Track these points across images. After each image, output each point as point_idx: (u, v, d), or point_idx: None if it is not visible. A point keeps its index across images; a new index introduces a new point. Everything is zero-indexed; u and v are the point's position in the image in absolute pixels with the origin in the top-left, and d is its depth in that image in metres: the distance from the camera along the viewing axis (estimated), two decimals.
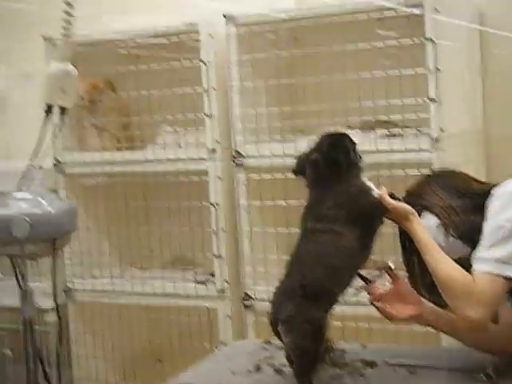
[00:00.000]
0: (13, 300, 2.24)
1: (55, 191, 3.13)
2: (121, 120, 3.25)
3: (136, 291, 3.18)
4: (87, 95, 3.16)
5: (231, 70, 2.91)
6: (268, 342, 2.28)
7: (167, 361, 3.32)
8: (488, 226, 1.82)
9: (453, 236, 1.91)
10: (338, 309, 1.85)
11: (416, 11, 2.55)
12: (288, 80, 2.91)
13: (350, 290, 1.88)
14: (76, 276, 3.29)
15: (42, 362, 2.19)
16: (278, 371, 2.03)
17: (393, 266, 2.01)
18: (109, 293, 3.22)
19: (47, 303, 2.56)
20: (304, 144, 2.07)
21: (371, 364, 2.06)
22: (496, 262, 1.77)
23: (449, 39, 2.62)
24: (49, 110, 2.26)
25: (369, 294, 1.98)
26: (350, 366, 2.05)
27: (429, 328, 2.06)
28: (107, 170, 3.16)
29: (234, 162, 2.94)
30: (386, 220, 1.92)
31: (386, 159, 2.63)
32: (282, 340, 1.83)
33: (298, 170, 1.95)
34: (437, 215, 1.93)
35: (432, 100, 2.56)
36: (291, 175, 1.98)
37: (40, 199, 2.10)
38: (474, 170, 2.36)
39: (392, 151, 2.65)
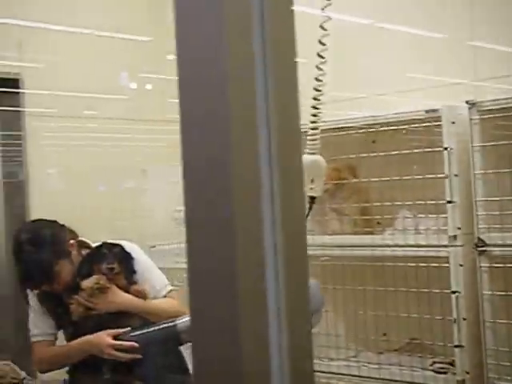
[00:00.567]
0: None
1: None
2: (360, 204, 3.31)
3: (372, 376, 3.16)
4: (330, 180, 3.25)
5: (474, 157, 2.87)
6: None
7: None
8: None
9: None
10: None
11: None
12: None
13: None
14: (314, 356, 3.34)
15: None
16: None
17: None
18: (343, 375, 3.23)
19: None
20: None
21: None
22: None
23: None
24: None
25: None
26: None
27: None
28: (346, 254, 3.21)
29: (476, 249, 2.87)
30: None
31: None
32: None
33: None
34: None
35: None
36: None
37: None
38: None
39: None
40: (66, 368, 2.82)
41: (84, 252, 2.86)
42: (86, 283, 2.69)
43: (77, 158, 4.13)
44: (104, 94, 4.13)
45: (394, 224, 3.21)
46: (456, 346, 2.91)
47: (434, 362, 3.08)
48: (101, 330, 2.73)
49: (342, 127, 3.21)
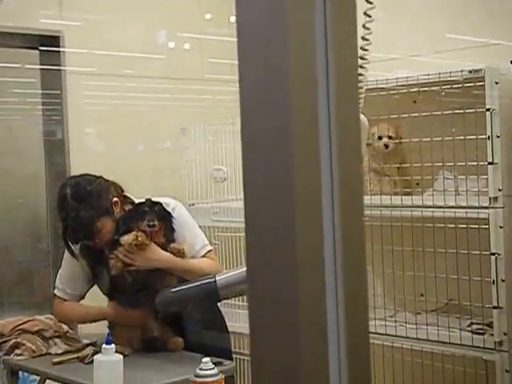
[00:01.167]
0: None
1: None
2: (400, 165, 3.29)
3: (409, 336, 3.18)
4: (371, 141, 3.24)
5: None
6: None
7: None
8: None
9: None
10: None
11: None
12: None
13: None
14: None
15: None
16: None
17: None
18: (381, 335, 3.25)
19: None
20: None
21: None
22: None
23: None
24: None
25: None
26: None
27: None
28: (385, 214, 3.21)
29: None
30: None
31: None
32: None
33: None
34: None
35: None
36: None
37: None
38: None
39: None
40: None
41: (127, 208, 2.90)
42: (125, 239, 2.73)
43: (116, 117, 4.15)
44: (143, 53, 4.14)
45: (434, 185, 3.19)
46: (494, 308, 2.91)
47: (472, 323, 3.09)
48: (136, 285, 2.78)
49: (383, 87, 3.19)
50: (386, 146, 3.30)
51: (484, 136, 2.90)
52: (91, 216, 2.76)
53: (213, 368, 2.09)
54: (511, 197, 2.90)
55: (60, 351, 2.80)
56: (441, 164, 3.13)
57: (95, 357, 2.32)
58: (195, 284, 2.57)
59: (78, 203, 2.77)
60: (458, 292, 3.16)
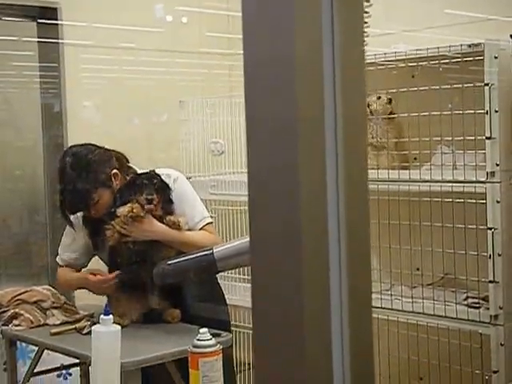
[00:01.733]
0: None
1: None
2: (398, 139, 3.29)
3: (405, 310, 3.20)
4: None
5: None
6: None
7: (430, 381, 3.30)
8: None
9: None
10: None
11: None
12: None
13: None
14: None
15: None
16: None
17: None
18: (376, 309, 3.27)
19: None
20: None
21: None
22: None
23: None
24: None
25: None
26: None
27: None
28: (382, 188, 3.21)
29: None
30: None
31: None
32: None
33: None
34: None
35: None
36: None
37: None
38: None
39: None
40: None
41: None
42: (121, 211, 2.73)
43: (114, 90, 4.14)
44: (141, 26, 4.12)
45: (432, 159, 3.20)
46: (490, 282, 2.93)
47: (468, 297, 3.11)
48: (134, 257, 2.79)
49: (382, 61, 3.18)
50: (390, 101, 3.29)
51: (482, 111, 2.90)
52: (88, 186, 2.76)
53: (210, 339, 2.10)
54: (508, 171, 2.91)
55: (58, 322, 2.82)
56: (439, 139, 3.14)
57: (93, 327, 2.32)
58: (193, 256, 2.58)
59: (76, 172, 2.77)
60: (454, 266, 3.18)
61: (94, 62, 4.09)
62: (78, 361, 2.95)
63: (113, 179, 2.83)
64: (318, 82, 0.73)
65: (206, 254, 2.52)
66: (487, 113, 2.88)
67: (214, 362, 2.03)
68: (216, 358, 2.05)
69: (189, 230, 2.84)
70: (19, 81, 4.07)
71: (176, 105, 4.06)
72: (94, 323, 2.47)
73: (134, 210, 2.72)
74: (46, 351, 2.82)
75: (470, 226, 3.01)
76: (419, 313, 3.16)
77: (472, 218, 3.00)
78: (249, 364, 3.79)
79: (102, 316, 2.30)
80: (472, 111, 2.95)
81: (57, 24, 3.93)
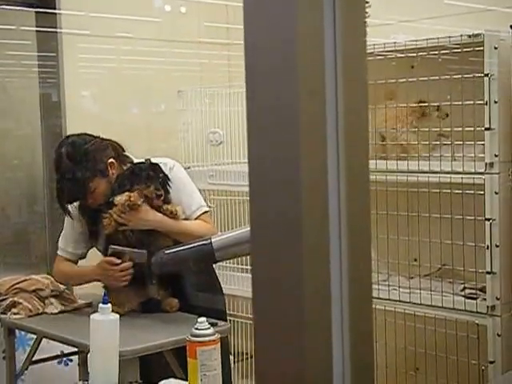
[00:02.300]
0: None
1: None
2: (397, 129, 3.29)
3: (402, 300, 3.21)
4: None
5: None
6: None
7: (426, 371, 3.31)
8: None
9: None
10: None
11: None
12: None
13: None
14: None
15: None
16: None
17: None
18: (374, 299, 3.27)
19: None
20: None
21: None
22: None
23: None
24: None
25: None
26: None
27: None
28: (380, 179, 3.21)
29: None
30: None
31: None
32: None
33: None
34: None
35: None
36: None
37: None
38: None
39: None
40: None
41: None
42: (118, 199, 2.73)
43: (112, 79, 4.13)
44: (139, 16, 4.11)
45: (430, 150, 3.20)
46: (488, 273, 2.94)
47: (465, 288, 3.12)
48: (131, 246, 2.79)
49: (381, 51, 3.17)
50: None
51: (482, 102, 2.90)
52: (85, 176, 2.76)
53: (208, 328, 2.11)
54: (507, 163, 2.91)
55: (56, 311, 2.82)
56: (438, 129, 3.14)
57: (92, 316, 2.33)
58: (191, 245, 2.58)
59: (72, 162, 2.77)
60: (452, 257, 3.18)
61: (92, 52, 4.07)
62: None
63: (109, 168, 2.84)
64: (319, 71, 0.73)
65: (204, 244, 2.52)
66: (486, 104, 2.88)
67: (211, 351, 2.04)
68: (214, 347, 2.05)
69: (185, 218, 2.84)
70: (17, 70, 4.06)
71: (174, 95, 4.06)
72: (92, 312, 2.48)
73: (132, 199, 2.72)
74: (45, 339, 2.82)
75: (467, 217, 3.01)
76: (416, 303, 3.16)
77: (470, 209, 3.00)
78: (246, 354, 3.80)
79: (100, 305, 2.30)
80: (471, 102, 2.95)
81: (55, 13, 3.92)
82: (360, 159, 0.78)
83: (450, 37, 2.98)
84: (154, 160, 2.89)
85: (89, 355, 2.25)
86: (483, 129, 2.90)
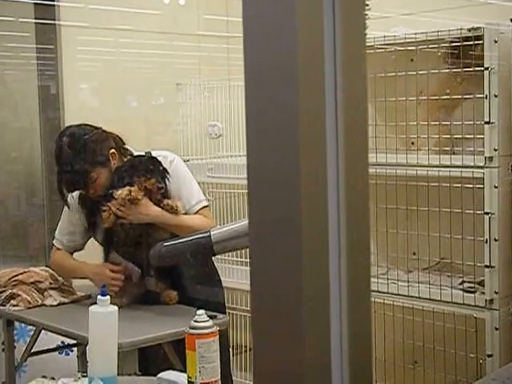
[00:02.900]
0: None
1: None
2: (396, 123, 3.29)
3: (401, 293, 3.21)
4: None
5: None
6: None
7: (424, 364, 3.32)
8: None
9: None
10: None
11: None
12: None
13: None
14: None
15: None
16: None
17: None
18: (373, 292, 3.28)
19: None
20: None
21: None
22: None
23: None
24: None
25: None
26: None
27: None
28: (380, 172, 3.21)
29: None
30: None
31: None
32: None
33: None
34: None
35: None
36: None
37: None
38: None
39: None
40: None
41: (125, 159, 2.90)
42: (119, 193, 2.73)
43: (111, 72, 4.12)
44: (138, 8, 4.10)
45: (429, 144, 3.20)
46: (486, 267, 2.94)
47: (463, 282, 3.12)
48: (130, 239, 2.79)
49: (381, 44, 3.17)
50: None
51: (481, 95, 2.89)
52: (86, 165, 2.76)
53: (207, 320, 2.10)
54: (507, 157, 2.91)
55: (55, 303, 2.82)
56: (437, 123, 3.13)
57: (90, 308, 2.32)
58: (190, 238, 2.58)
59: (73, 152, 2.77)
60: (451, 251, 3.18)
61: (91, 44, 4.07)
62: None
63: (110, 159, 2.83)
64: (318, 64, 0.73)
65: (203, 237, 2.52)
66: (486, 97, 2.87)
67: (210, 343, 2.04)
68: (213, 339, 2.05)
69: (185, 213, 2.84)
70: (16, 62, 4.05)
71: (173, 88, 4.05)
72: (91, 304, 2.48)
73: (133, 194, 2.72)
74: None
75: (467, 211, 3.01)
76: (415, 297, 3.17)
77: (469, 203, 3.00)
78: (245, 346, 3.81)
79: (99, 297, 2.31)
80: (471, 96, 2.95)
81: (54, 5, 3.91)
82: (359, 152, 0.78)
83: (449, 30, 2.97)
84: (154, 153, 2.89)
85: (87, 347, 2.25)
86: (483, 123, 2.90)
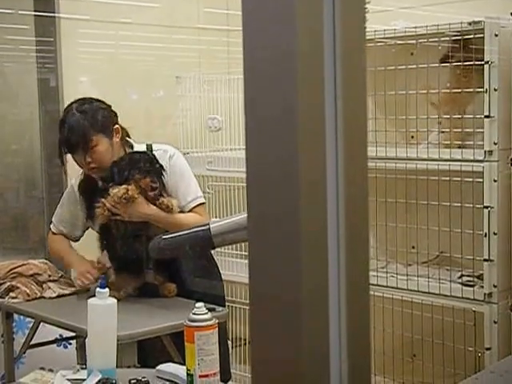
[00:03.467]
0: None
1: None
2: (396, 116, 3.28)
3: (400, 287, 3.21)
4: None
5: None
6: None
7: (423, 358, 3.32)
8: None
9: None
10: None
11: None
12: None
13: None
14: None
15: None
16: None
17: None
18: (371, 286, 3.27)
19: None
20: None
21: None
22: None
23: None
24: None
25: None
26: None
27: None
28: (379, 166, 3.21)
29: (511, 165, 2.86)
30: None
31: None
32: None
33: None
34: None
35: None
36: None
37: None
38: None
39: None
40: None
41: (127, 151, 2.90)
42: (115, 192, 2.72)
43: (110, 65, 4.12)
44: (138, 1, 4.09)
45: (429, 137, 3.19)
46: (485, 260, 2.94)
47: (462, 275, 3.12)
48: (124, 234, 2.79)
49: (381, 38, 3.17)
50: None
51: (481, 89, 2.89)
52: (89, 128, 2.78)
53: (206, 313, 2.11)
54: (506, 150, 2.91)
55: (54, 295, 2.82)
56: (436, 117, 3.13)
57: (89, 300, 2.33)
58: (189, 231, 2.58)
59: (79, 114, 2.82)
60: (450, 244, 3.19)
61: (90, 37, 4.06)
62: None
63: (113, 133, 2.85)
64: (318, 57, 0.73)
65: (202, 230, 2.52)
66: (486, 91, 2.87)
67: (209, 336, 2.04)
68: (212, 332, 2.05)
69: (181, 210, 2.84)
70: (15, 55, 4.04)
71: (173, 81, 4.04)
72: (90, 297, 2.48)
73: (129, 192, 2.71)
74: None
75: (466, 205, 3.01)
76: (414, 290, 3.17)
77: (469, 197, 3.00)
78: (244, 339, 3.81)
79: (97, 289, 2.31)
80: (471, 89, 2.95)
81: None
82: (359, 146, 0.78)
83: (449, 24, 2.97)
84: (155, 146, 2.89)
85: (86, 340, 2.25)
86: (483, 116, 2.89)
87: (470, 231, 3.03)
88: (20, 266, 2.89)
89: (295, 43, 0.71)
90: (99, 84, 4.11)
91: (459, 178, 3.00)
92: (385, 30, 3.16)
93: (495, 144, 2.89)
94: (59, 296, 2.81)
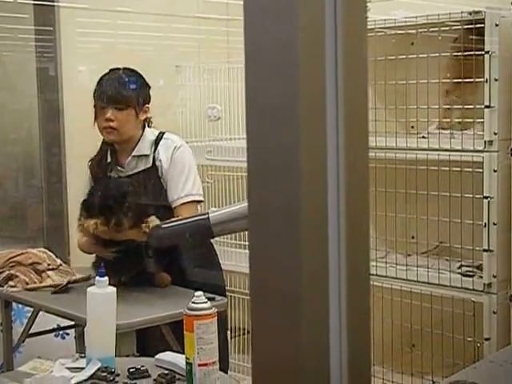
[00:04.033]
0: None
1: None
2: (395, 106, 3.28)
3: (399, 277, 3.21)
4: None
5: None
6: None
7: (422, 348, 3.33)
8: None
9: None
10: None
11: None
12: None
13: None
14: None
15: None
16: None
17: None
18: (371, 276, 3.27)
19: None
20: None
21: None
22: None
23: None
24: None
25: None
26: None
27: None
28: (379, 156, 3.21)
29: (511, 155, 2.86)
30: None
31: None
32: None
33: None
34: None
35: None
36: None
37: None
38: None
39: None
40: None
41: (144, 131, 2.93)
42: (86, 225, 2.68)
43: (110, 54, 4.10)
44: None
45: (429, 128, 3.19)
46: (485, 251, 2.94)
47: (462, 266, 3.13)
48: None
49: (381, 28, 3.16)
50: None
51: (482, 79, 2.88)
52: (130, 89, 2.86)
53: (206, 302, 2.11)
54: (506, 141, 2.90)
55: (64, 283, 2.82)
56: (437, 107, 3.12)
57: (88, 289, 2.33)
58: (188, 220, 2.58)
59: (125, 75, 2.91)
60: (449, 235, 3.18)
61: (89, 26, 4.04)
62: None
63: (142, 111, 2.86)
64: (319, 47, 0.72)
65: (201, 219, 2.52)
66: (487, 81, 2.86)
67: (209, 325, 2.04)
68: (211, 321, 2.05)
69: (170, 203, 2.84)
70: (14, 44, 4.03)
71: (172, 70, 4.03)
72: (89, 285, 2.48)
73: (99, 227, 2.67)
74: (43, 312, 2.83)
75: (466, 195, 3.01)
76: (413, 280, 3.17)
77: (468, 187, 3.00)
78: (243, 329, 3.82)
79: (97, 278, 2.31)
80: (471, 79, 2.94)
81: None
82: (360, 136, 0.78)
83: (450, 13, 2.96)
84: (165, 136, 2.92)
85: (86, 328, 2.25)
86: (483, 106, 2.89)
87: (470, 221, 3.03)
88: (19, 255, 2.89)
89: (296, 32, 0.70)
90: (99, 73, 4.09)
91: (459, 168, 3.00)
92: (385, 20, 3.15)
93: (495, 134, 2.89)
94: (59, 285, 2.81)
